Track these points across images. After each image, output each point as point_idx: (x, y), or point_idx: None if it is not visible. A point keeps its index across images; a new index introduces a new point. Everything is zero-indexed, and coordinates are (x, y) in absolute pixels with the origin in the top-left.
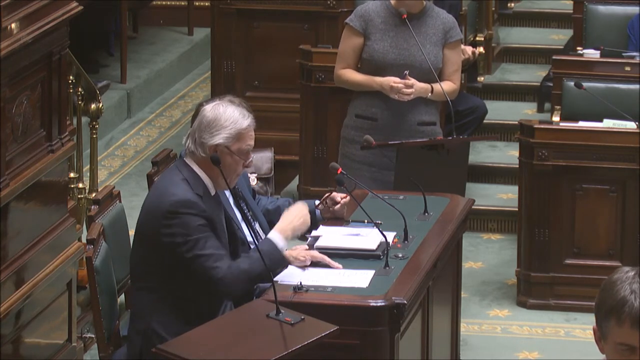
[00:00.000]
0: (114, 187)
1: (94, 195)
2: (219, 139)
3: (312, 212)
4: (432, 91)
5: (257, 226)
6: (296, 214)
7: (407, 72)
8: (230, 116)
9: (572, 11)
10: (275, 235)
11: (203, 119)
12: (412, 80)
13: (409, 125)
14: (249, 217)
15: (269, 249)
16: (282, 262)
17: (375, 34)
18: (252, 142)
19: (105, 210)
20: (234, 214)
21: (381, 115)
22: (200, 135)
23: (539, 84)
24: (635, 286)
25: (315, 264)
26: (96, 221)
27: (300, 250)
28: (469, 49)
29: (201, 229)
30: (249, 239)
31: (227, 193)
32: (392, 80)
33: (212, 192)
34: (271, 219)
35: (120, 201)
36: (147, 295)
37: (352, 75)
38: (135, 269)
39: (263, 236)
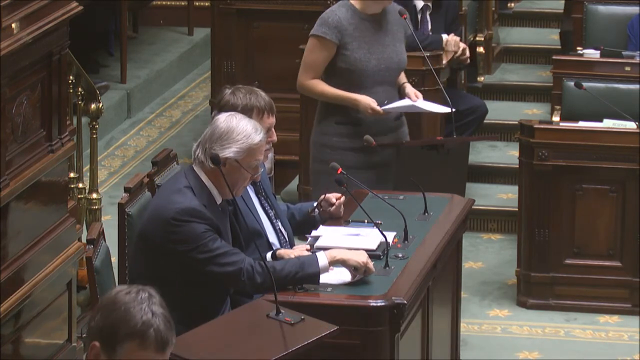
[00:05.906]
0: (144, 176)
1: (94, 196)
2: (229, 152)
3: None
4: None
5: (279, 225)
6: (358, 252)
7: (386, 101)
8: (243, 130)
9: (571, 11)
10: (322, 256)
11: (215, 129)
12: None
13: (387, 123)
14: (271, 215)
15: (310, 261)
16: (312, 280)
17: (351, 42)
18: (261, 157)
19: (135, 199)
20: (254, 207)
21: (364, 118)
22: (210, 146)
23: (539, 84)
24: None
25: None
26: (126, 210)
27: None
28: (461, 44)
29: (207, 234)
30: (271, 238)
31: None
32: (372, 104)
33: (218, 201)
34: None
35: (148, 190)
36: None
37: (326, 89)
38: (133, 271)
39: (286, 235)
